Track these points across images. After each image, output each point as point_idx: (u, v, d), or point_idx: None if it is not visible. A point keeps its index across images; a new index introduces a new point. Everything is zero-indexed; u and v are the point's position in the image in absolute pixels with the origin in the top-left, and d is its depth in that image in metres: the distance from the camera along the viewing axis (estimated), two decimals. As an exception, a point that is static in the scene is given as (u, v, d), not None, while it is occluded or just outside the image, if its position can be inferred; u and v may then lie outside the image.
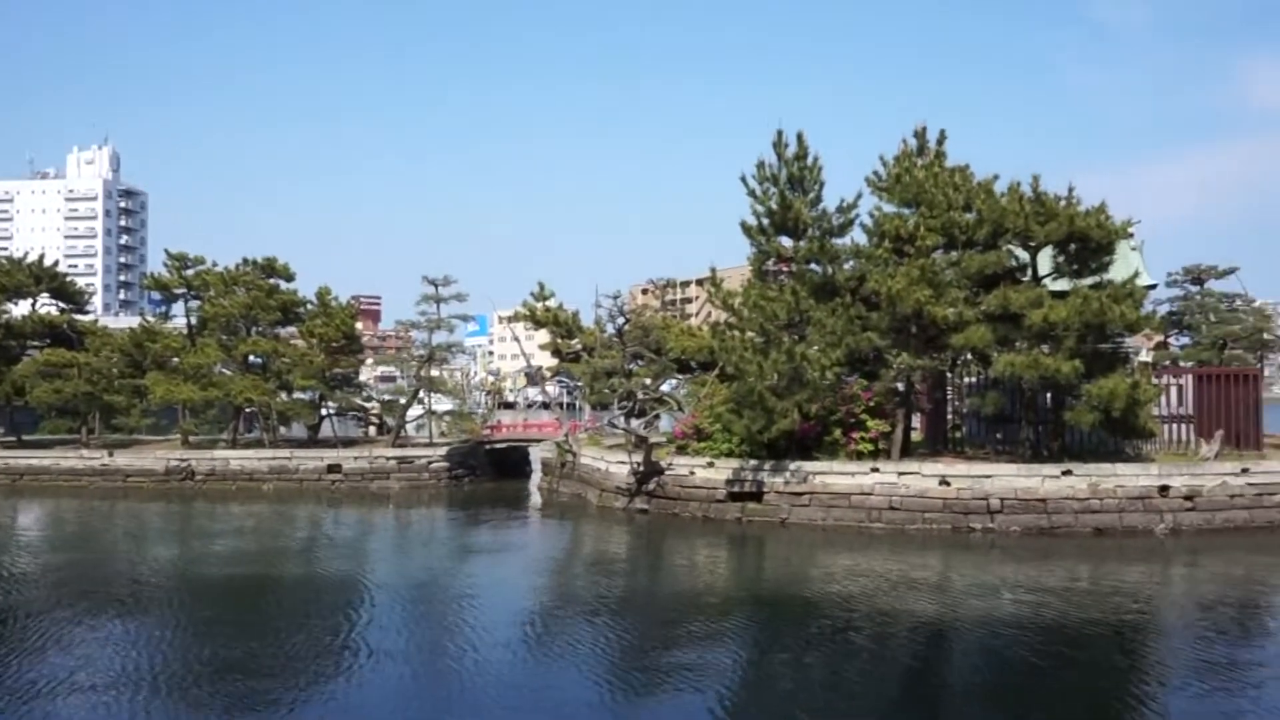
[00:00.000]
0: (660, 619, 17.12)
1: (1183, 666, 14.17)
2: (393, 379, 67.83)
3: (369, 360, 61.32)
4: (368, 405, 43.49)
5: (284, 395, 39.66)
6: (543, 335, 45.27)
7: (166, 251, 41.51)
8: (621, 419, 31.10)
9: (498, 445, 41.46)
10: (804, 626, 16.26)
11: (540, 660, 14.35)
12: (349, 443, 40.56)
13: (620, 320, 39.16)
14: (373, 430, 44.97)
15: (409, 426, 42.61)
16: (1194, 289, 49.65)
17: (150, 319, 44.35)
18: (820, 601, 17.96)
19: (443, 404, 44.79)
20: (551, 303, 43.69)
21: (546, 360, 46.50)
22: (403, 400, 40.98)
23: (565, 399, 62.26)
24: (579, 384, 42.74)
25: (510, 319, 48.30)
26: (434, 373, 41.37)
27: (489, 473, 39.62)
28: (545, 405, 50.34)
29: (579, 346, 41.21)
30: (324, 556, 24.16)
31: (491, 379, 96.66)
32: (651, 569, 22.61)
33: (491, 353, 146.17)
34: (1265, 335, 49.46)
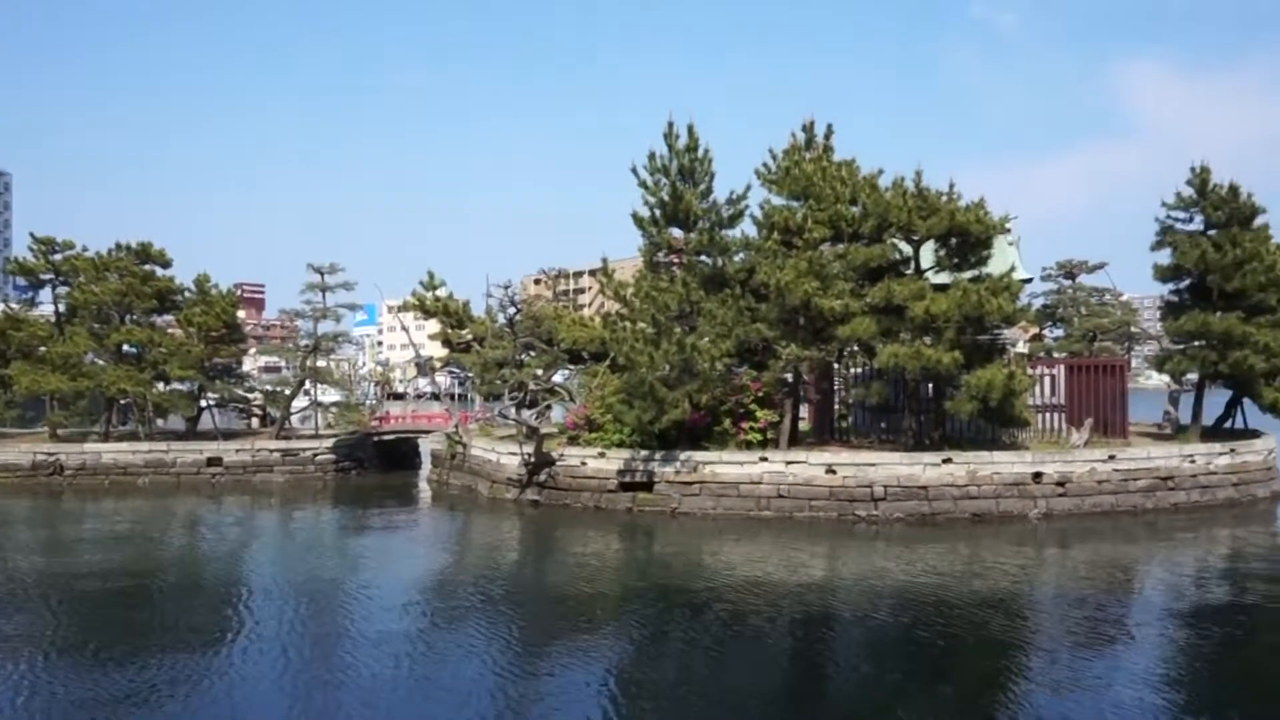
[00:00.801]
0: (551, 611, 17.06)
1: (1055, 643, 14.79)
2: (277, 369, 66.16)
3: (252, 350, 59.42)
4: (250, 396, 42.20)
5: (160, 386, 38.24)
6: (433, 325, 44.58)
7: (32, 235, 39.47)
8: (513, 410, 30.84)
9: (386, 437, 40.74)
10: (694, 615, 16.39)
11: (430, 655, 14.13)
12: (230, 435, 39.34)
13: (512, 310, 38.85)
14: (256, 422, 43.72)
15: (294, 418, 41.53)
16: (1067, 283, 51.71)
17: (14, 306, 42.17)
18: (710, 590, 18.13)
19: (329, 395, 43.79)
20: (441, 292, 43.02)
21: (437, 350, 45.82)
22: (287, 391, 39.91)
23: (456, 390, 61.50)
24: (470, 375, 42.22)
25: (399, 308, 47.44)
26: (320, 363, 40.41)
27: (377, 465, 38.92)
28: (435, 396, 49.54)
29: (470, 337, 40.71)
30: (202, 554, 23.38)
31: (380, 369, 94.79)
32: (542, 560, 22.51)
33: (380, 343, 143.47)
34: (1132, 328, 51.82)
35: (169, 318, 40.05)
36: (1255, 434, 31.63)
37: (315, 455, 36.51)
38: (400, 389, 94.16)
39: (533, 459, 28.53)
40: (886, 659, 14.21)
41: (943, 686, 12.88)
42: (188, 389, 39.11)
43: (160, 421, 39.67)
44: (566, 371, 39.87)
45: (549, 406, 32.86)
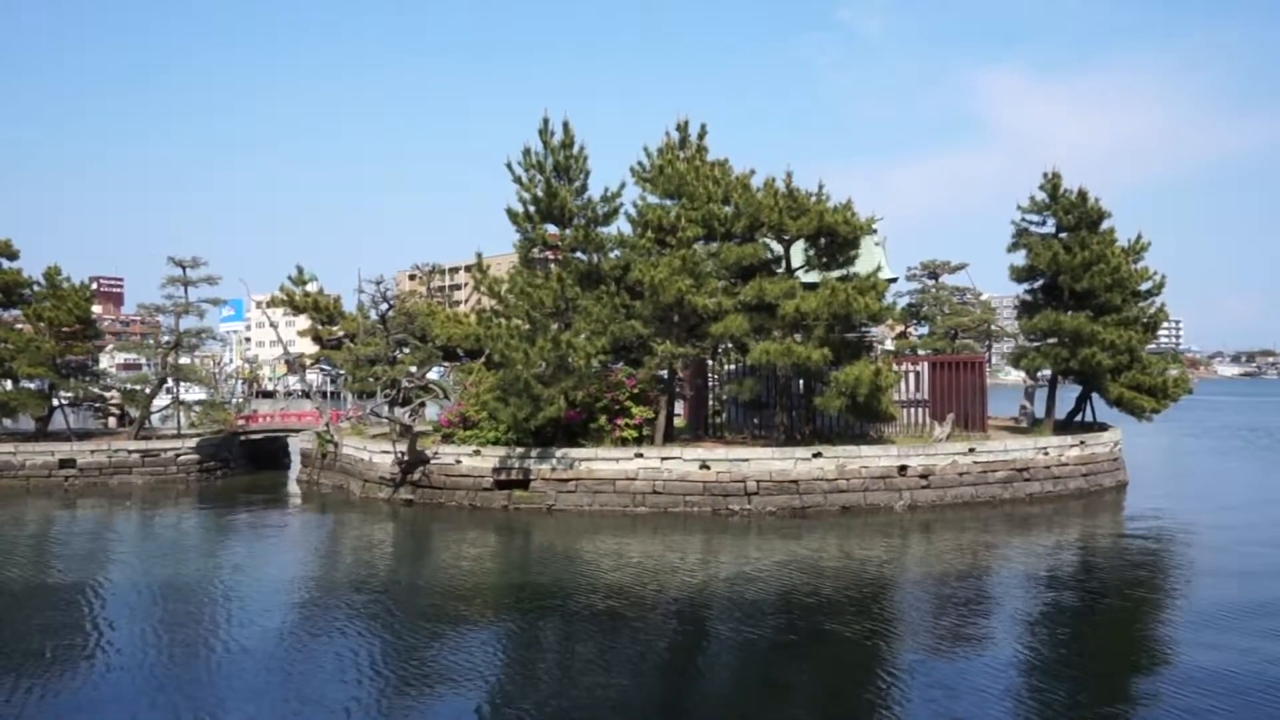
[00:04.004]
0: (424, 612, 16.83)
1: (920, 628, 15.37)
2: (137, 367, 63.41)
3: (109, 347, 56.85)
4: (107, 395, 40.33)
5: (8, 384, 36.23)
6: (303, 321, 43.43)
7: None
8: (385, 407, 30.32)
9: (253, 436, 39.50)
10: (570, 613, 16.41)
11: (298, 660, 13.80)
12: (85, 435, 37.54)
13: (384, 306, 38.05)
14: (113, 421, 41.82)
15: (154, 417, 39.87)
16: (930, 283, 53.42)
17: None
18: (586, 587, 18.18)
19: (193, 393, 42.19)
20: (312, 287, 41.94)
21: (307, 347, 44.66)
22: (147, 389, 38.29)
23: (327, 387, 60.09)
24: (341, 372, 41.30)
25: (267, 304, 46.05)
26: (182, 360, 38.89)
27: (244, 465, 37.72)
28: (305, 394, 48.34)
29: (341, 333, 39.80)
30: (52, 561, 22.22)
31: (248, 366, 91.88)
32: (416, 560, 22.17)
33: (248, 339, 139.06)
34: (991, 326, 53.90)
35: (17, 312, 38.01)
36: (1103, 427, 33.37)
37: (177, 456, 35.15)
38: (269, 386, 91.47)
39: (406, 457, 28.10)
40: (760, 649, 14.50)
41: (814, 675, 13.22)
42: (37, 387, 37.13)
43: (8, 422, 37.62)
44: (441, 369, 39.41)
45: (423, 404, 32.37)
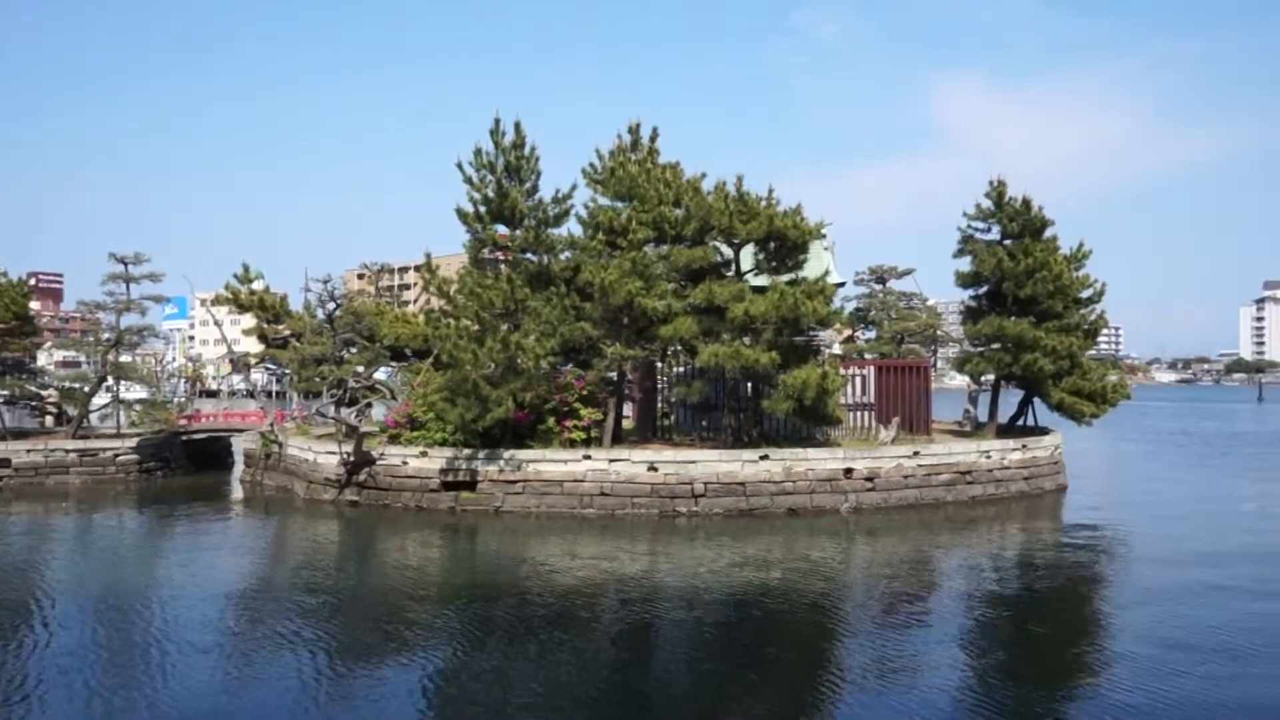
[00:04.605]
0: (370, 614, 16.69)
1: (864, 627, 15.56)
2: (77, 364, 62.06)
3: (48, 344, 55.56)
4: (44, 393, 39.46)
5: (-60, 382, 35.36)
6: (249, 320, 42.83)
7: None
8: (331, 408, 30.01)
9: (196, 436, 38.89)
10: (517, 615, 16.36)
11: (240, 665, 13.62)
12: (21, 434, 36.71)
13: (331, 305, 37.62)
14: (50, 420, 40.92)
15: (94, 416, 39.10)
16: (877, 287, 54.03)
17: None
18: (532, 589, 18.14)
19: (134, 392, 41.43)
20: (258, 285, 41.48)
21: (253, 346, 44.04)
22: (86, 387, 37.53)
23: (273, 387, 59.29)
24: (287, 371, 40.77)
25: (212, 302, 45.33)
26: (123, 358, 38.20)
27: (186, 465, 37.12)
28: (250, 393, 47.59)
29: (287, 332, 39.30)
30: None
31: (191, 365, 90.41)
32: (361, 562, 21.96)
33: (192, 337, 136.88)
34: (936, 331, 54.67)
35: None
36: (1044, 431, 33.97)
37: (117, 456, 34.50)
38: (213, 386, 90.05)
39: (352, 458, 27.83)
40: (706, 650, 14.57)
41: (762, 674, 13.30)
42: (-29, 385, 36.27)
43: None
44: (389, 369, 39.04)
45: (369, 404, 32.11)
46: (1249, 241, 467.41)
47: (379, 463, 27.84)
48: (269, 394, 55.71)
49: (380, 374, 37.38)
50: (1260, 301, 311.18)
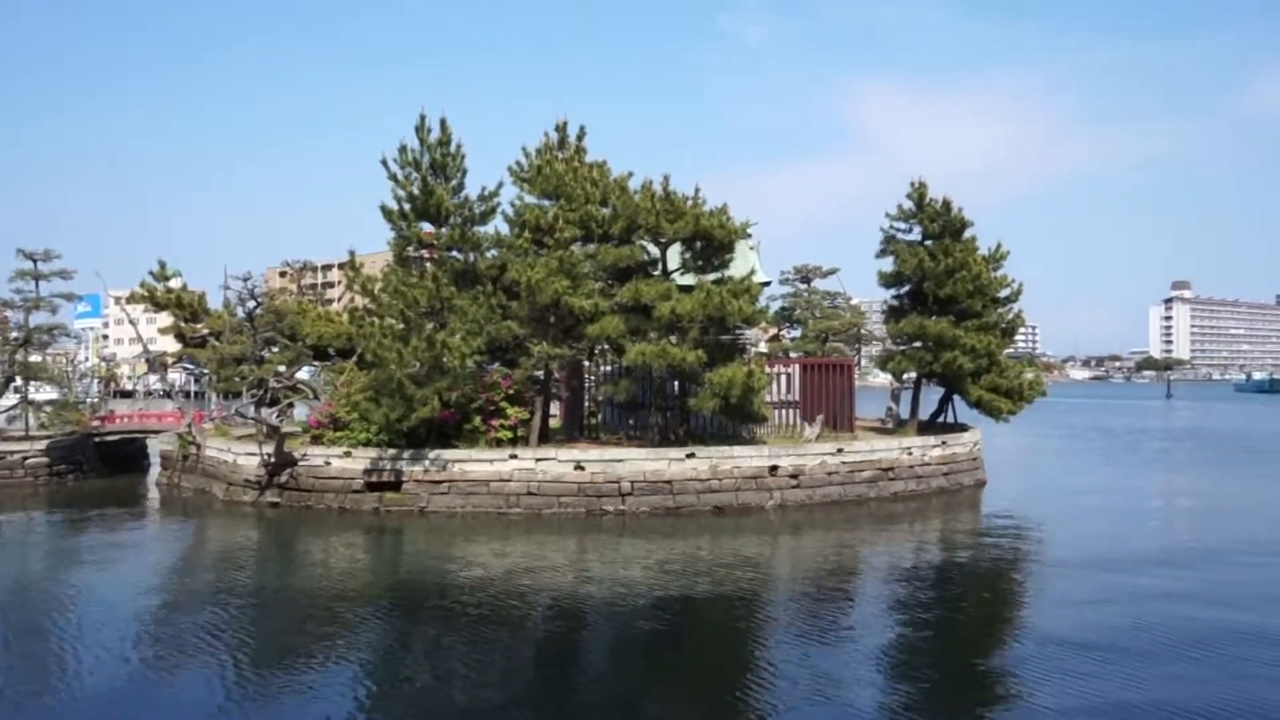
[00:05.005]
0: (292, 617, 16.40)
1: (790, 622, 15.74)
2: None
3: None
4: (-53, 395, 38.03)
5: None
6: (165, 318, 41.78)
7: None
8: (251, 408, 29.43)
9: (109, 438, 37.80)
10: (443, 616, 16.21)
11: (157, 670, 13.29)
12: (-78, 437, 35.31)
13: (252, 304, 36.86)
14: (-46, 423, 39.44)
15: (1, 418, 37.80)
16: (802, 287, 54.61)
17: None
18: (459, 589, 17.99)
19: (44, 392, 40.11)
20: (175, 283, 40.46)
21: (170, 345, 42.95)
22: (-8, 389, 36.25)
23: (191, 387, 57.96)
24: (205, 371, 39.85)
25: (127, 300, 44.12)
26: (33, 357, 36.99)
27: (99, 468, 36.03)
28: (167, 394, 46.44)
29: (205, 331, 38.42)
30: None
31: (105, 365, 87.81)
32: (282, 565, 21.55)
33: (106, 336, 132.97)
34: (860, 330, 55.48)
35: None
36: (963, 428, 34.71)
37: (25, 459, 33.39)
38: (128, 386, 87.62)
39: (273, 459, 27.32)
40: (634, 648, 14.63)
41: (689, 671, 13.37)
42: None
43: None
44: (311, 368, 38.41)
45: (291, 404, 31.57)
46: (1158, 244, 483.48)
47: (301, 464, 27.37)
48: (187, 394, 54.44)
49: (303, 373, 36.79)
50: (1168, 301, 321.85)
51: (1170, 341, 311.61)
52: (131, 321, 42.52)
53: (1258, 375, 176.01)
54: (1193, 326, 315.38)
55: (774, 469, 27.50)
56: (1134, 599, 17.12)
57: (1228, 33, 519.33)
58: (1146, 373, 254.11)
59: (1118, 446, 51.62)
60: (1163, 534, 25.28)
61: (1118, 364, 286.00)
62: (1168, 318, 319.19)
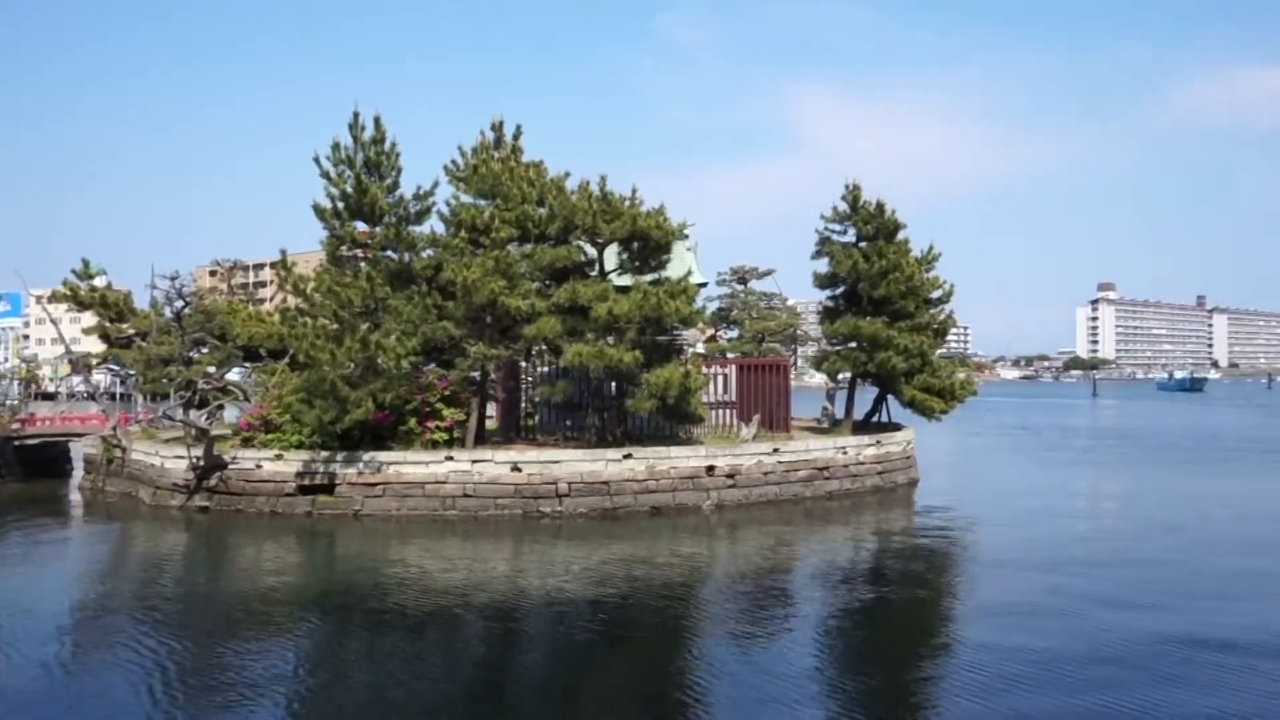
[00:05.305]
0: (222, 623, 16.04)
1: (727, 622, 15.77)
2: (-106, 366, 57.83)
3: None
4: None
5: None
6: (90, 318, 40.73)
7: None
8: (179, 410, 28.76)
9: (29, 441, 36.68)
10: (378, 619, 15.99)
11: (79, 680, 12.90)
12: None
13: (180, 304, 36.12)
14: None
15: (-88, 422, 36.50)
16: (739, 288, 55.06)
17: None
18: (394, 593, 17.76)
19: (-41, 395, 38.89)
20: (99, 282, 39.49)
21: (95, 346, 41.89)
22: (-95, 391, 35.04)
23: (116, 389, 56.53)
24: (131, 372, 38.93)
25: (48, 299, 42.90)
26: (-53, 359, 35.79)
27: (18, 473, 34.93)
28: (91, 396, 45.23)
29: (131, 331, 37.56)
30: None
31: (25, 366, 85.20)
32: (211, 570, 21.08)
33: (26, 336, 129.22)
34: (796, 330, 56.04)
35: None
36: (897, 427, 35.18)
37: (-60, 464, 32.30)
38: (50, 388, 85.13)
39: (202, 462, 26.75)
40: (571, 650, 14.56)
41: (627, 672, 13.37)
42: None
43: None
44: (242, 369, 37.72)
45: (221, 407, 30.94)
46: (1086, 246, 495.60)
47: (231, 467, 26.83)
48: (112, 396, 53.02)
49: (233, 375, 36.12)
50: (1095, 303, 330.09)
51: (1096, 342, 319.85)
52: (53, 321, 41.33)
53: (1179, 374, 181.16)
54: (1118, 327, 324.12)
55: (711, 469, 27.60)
56: (1061, 595, 17.47)
57: (1147, 43, 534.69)
58: (1074, 372, 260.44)
59: (1045, 445, 52.76)
60: (1089, 533, 25.87)
61: (1046, 364, 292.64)
62: (1094, 318, 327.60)
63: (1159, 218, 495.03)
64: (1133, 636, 14.63)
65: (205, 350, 35.80)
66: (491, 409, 31.07)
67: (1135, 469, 40.63)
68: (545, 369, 30.91)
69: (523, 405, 31.15)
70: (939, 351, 36.71)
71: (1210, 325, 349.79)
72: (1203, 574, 19.68)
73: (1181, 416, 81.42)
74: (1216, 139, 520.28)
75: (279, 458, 26.61)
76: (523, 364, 30.79)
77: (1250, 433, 61.71)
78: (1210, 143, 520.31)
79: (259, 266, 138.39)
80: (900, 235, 34.00)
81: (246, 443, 28.08)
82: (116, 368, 44.10)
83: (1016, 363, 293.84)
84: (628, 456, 26.86)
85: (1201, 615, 16.05)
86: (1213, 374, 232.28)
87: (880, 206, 33.73)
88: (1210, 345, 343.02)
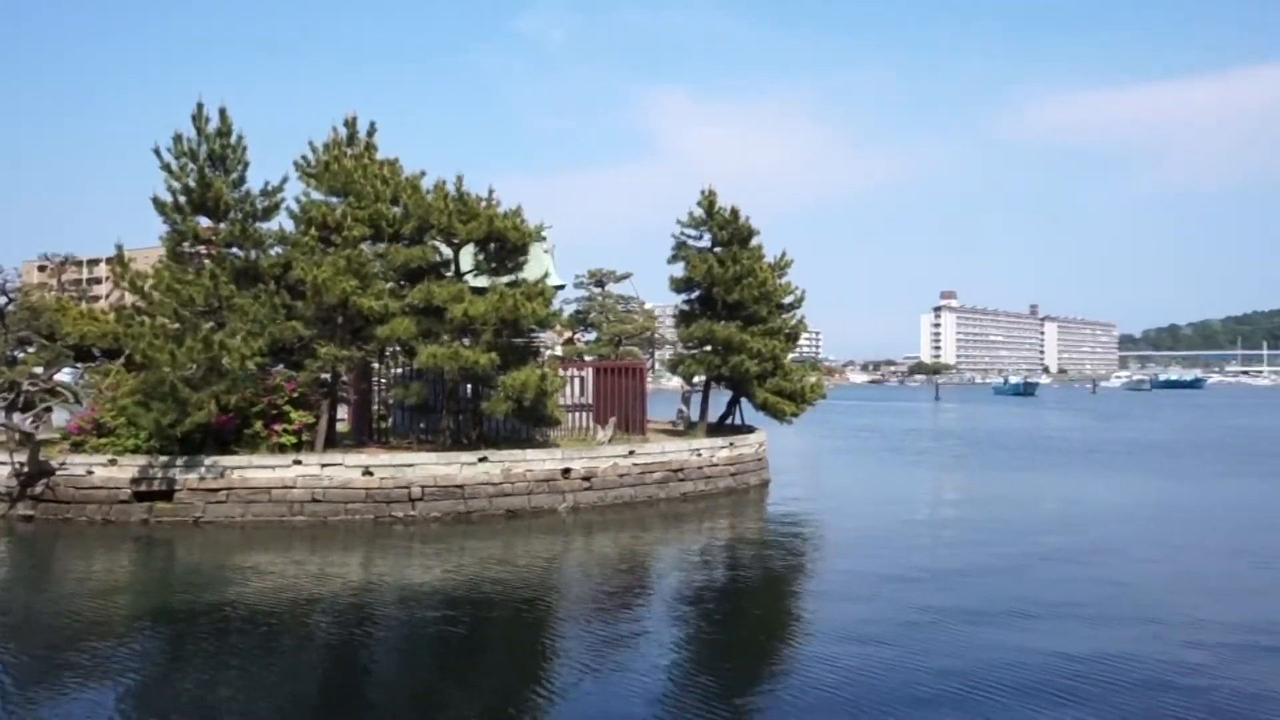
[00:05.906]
0: (48, 640, 15.12)
1: (581, 621, 15.79)
2: None
3: None
4: None
5: None
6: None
7: None
8: (1, 413, 27.02)
9: None
10: (219, 632, 15.36)
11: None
12: None
13: (3, 300, 33.91)
14: None
15: None
16: (597, 291, 55.24)
17: None
18: (236, 604, 17.10)
19: None
20: (-89, 275, 36.61)
21: (-97, 344, 38.88)
22: None
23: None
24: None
25: None
26: None
27: None
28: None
29: (-52, 329, 35.03)
30: None
31: None
32: (36, 583, 19.85)
33: None
34: (653, 334, 56.59)
35: None
36: (750, 429, 35.92)
37: None
38: None
39: (26, 469, 25.21)
40: (425, 654, 14.34)
41: (479, 676, 13.21)
42: None
43: None
44: (73, 370, 35.66)
45: (49, 409, 29.19)
46: (930, 255, 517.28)
47: (59, 473, 25.36)
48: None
49: (63, 375, 34.11)
50: (937, 310, 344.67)
51: (939, 347, 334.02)
52: None
53: (1013, 379, 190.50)
54: (958, 333, 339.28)
55: (567, 472, 27.60)
56: (905, 596, 18.18)
57: (985, 59, 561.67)
58: (918, 376, 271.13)
59: (890, 446, 54.78)
60: (931, 532, 26.95)
61: (893, 368, 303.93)
62: (936, 325, 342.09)
63: (997, 229, 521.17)
64: (972, 640, 15.35)
65: (31, 349, 33.69)
66: (343, 411, 30.31)
67: (973, 469, 42.58)
68: (399, 371, 30.33)
69: (375, 408, 30.49)
70: (791, 356, 37.64)
71: (1042, 333, 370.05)
72: (1038, 580, 20.80)
73: (1012, 419, 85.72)
74: (1052, 155, 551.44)
75: (113, 463, 25.31)
76: (376, 365, 30.17)
77: (1074, 435, 65.54)
78: (1047, 158, 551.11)
79: (94, 262, 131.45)
80: (754, 242, 34.74)
81: (77, 447, 26.61)
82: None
83: (865, 367, 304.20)
84: (483, 459, 26.61)
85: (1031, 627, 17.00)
86: (1044, 379, 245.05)
87: (735, 213, 34.39)
88: (1042, 352, 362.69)
